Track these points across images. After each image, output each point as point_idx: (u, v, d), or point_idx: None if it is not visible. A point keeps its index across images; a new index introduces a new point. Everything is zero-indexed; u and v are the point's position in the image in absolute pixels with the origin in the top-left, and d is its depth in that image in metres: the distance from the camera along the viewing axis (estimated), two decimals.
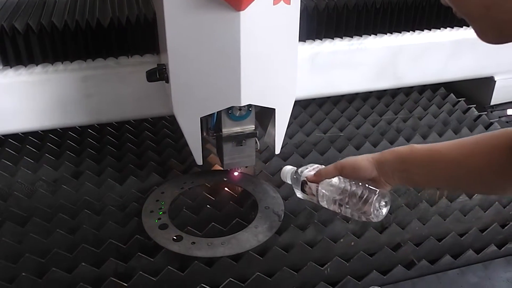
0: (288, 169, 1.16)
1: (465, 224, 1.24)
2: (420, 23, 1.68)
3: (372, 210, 0.95)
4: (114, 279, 1.02)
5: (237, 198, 1.27)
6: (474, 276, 1.11)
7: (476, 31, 0.57)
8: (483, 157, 0.80)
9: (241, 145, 1.23)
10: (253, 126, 1.22)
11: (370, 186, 0.96)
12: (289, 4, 1.05)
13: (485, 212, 1.27)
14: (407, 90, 1.90)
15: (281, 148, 1.50)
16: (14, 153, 1.46)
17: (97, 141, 1.54)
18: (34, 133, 1.55)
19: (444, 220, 1.23)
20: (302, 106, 1.76)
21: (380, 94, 1.86)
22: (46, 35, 1.36)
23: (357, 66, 1.65)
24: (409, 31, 1.68)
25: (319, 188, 1.04)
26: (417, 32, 1.69)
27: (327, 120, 1.69)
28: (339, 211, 1.02)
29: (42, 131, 1.56)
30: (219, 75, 1.08)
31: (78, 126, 1.60)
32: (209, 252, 1.07)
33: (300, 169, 1.11)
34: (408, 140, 1.58)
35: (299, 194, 1.12)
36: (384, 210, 0.97)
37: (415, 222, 1.20)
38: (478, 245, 1.19)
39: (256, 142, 1.25)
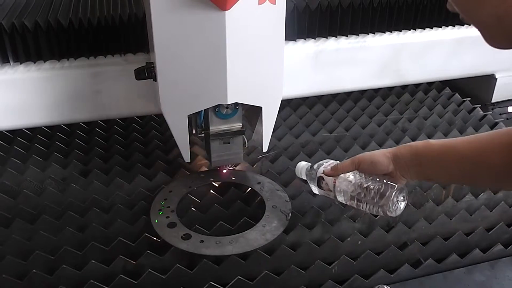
0: (303, 164, 1.19)
1: (471, 223, 1.25)
2: (421, 21, 1.69)
3: (390, 204, 0.96)
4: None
5: (245, 197, 1.28)
6: (481, 275, 1.12)
7: (485, 38, 0.57)
8: (497, 154, 0.81)
9: (229, 143, 1.24)
10: (241, 124, 1.23)
11: (387, 181, 0.97)
12: (275, 3, 1.05)
13: (491, 211, 1.27)
14: (412, 90, 1.91)
15: (288, 147, 1.52)
16: (22, 151, 1.47)
17: (105, 140, 1.55)
18: (42, 131, 1.56)
19: (450, 219, 1.24)
20: (307, 106, 1.77)
21: (385, 94, 1.87)
22: (53, 32, 1.38)
23: (360, 63, 1.66)
24: (411, 30, 1.69)
25: (336, 183, 1.06)
26: (418, 30, 1.70)
27: (333, 120, 1.69)
28: (357, 206, 1.03)
29: (50, 129, 1.57)
30: (206, 74, 1.09)
31: (86, 124, 1.62)
32: (217, 251, 1.08)
33: (315, 165, 1.14)
34: (413, 139, 1.58)
35: (315, 189, 1.14)
36: (402, 205, 0.98)
37: (421, 221, 1.21)
38: (484, 244, 1.19)
39: (244, 140, 1.27)
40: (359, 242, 1.16)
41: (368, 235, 1.17)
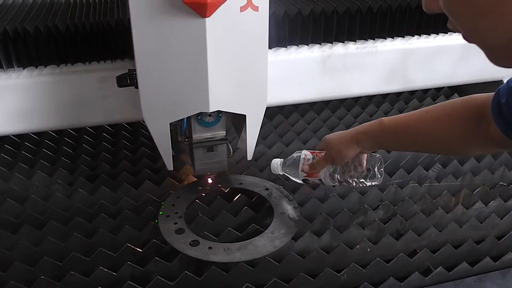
0: (277, 162, 1.26)
1: (482, 231, 1.23)
2: (430, 27, 1.68)
3: (372, 173, 1.12)
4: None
5: (253, 203, 1.28)
6: (492, 284, 1.11)
7: (489, 57, 0.57)
8: (447, 129, 0.91)
9: (212, 151, 1.23)
10: (224, 132, 1.22)
11: (361, 156, 1.13)
12: (257, 11, 1.03)
13: (501, 219, 1.26)
14: (420, 96, 1.90)
15: (294, 152, 1.51)
16: (30, 156, 1.47)
17: (112, 145, 1.55)
18: (49, 136, 1.56)
19: (461, 227, 1.23)
20: (315, 111, 1.76)
21: (393, 100, 1.86)
22: (52, 37, 1.37)
23: (368, 69, 1.65)
24: (415, 35, 1.68)
25: (321, 177, 1.18)
26: (428, 35, 1.69)
27: (341, 126, 1.68)
28: (345, 184, 1.17)
29: (58, 134, 1.57)
30: (187, 81, 1.07)
31: (93, 129, 1.61)
32: (225, 257, 1.07)
33: (288, 160, 1.24)
34: None
35: (297, 180, 1.24)
36: (381, 170, 1.14)
37: (431, 229, 1.20)
38: (495, 253, 1.18)
39: (229, 148, 1.25)
40: (368, 250, 1.15)
41: (377, 242, 1.16)
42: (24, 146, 1.51)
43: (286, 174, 1.25)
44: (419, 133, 0.96)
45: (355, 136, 1.06)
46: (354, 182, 1.14)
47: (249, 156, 1.28)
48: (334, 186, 1.21)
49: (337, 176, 1.16)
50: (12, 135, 1.53)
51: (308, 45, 1.57)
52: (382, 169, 1.13)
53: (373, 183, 1.14)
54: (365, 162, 1.13)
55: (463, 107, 0.89)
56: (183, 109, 1.12)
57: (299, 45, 1.57)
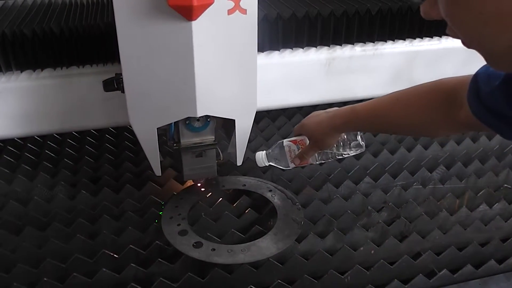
0: (262, 154, 1.25)
1: (486, 234, 1.23)
2: (432, 30, 1.67)
3: (358, 142, 1.18)
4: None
5: (256, 205, 1.27)
6: (497, 286, 1.10)
7: (488, 62, 0.56)
8: (418, 114, 0.94)
9: (201, 156, 1.21)
10: (213, 137, 1.19)
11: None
12: (245, 14, 1.01)
13: (506, 222, 1.26)
14: None
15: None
16: (33, 157, 1.47)
17: (114, 146, 1.55)
18: (52, 138, 1.56)
19: (465, 229, 1.22)
20: None
21: None
22: (48, 40, 1.36)
23: (372, 71, 1.64)
24: (422, 38, 1.67)
25: (310, 160, 1.21)
26: (430, 38, 1.68)
27: None
28: (333, 159, 1.23)
29: (61, 136, 1.57)
30: (174, 86, 1.05)
31: (96, 131, 1.61)
32: (229, 259, 1.06)
33: (271, 152, 1.24)
34: (425, 148, 1.57)
35: (285, 168, 1.25)
36: (363, 137, 1.19)
37: (435, 231, 1.20)
38: (499, 255, 1.18)
39: (218, 153, 1.24)
40: (372, 252, 1.15)
41: (381, 244, 1.16)
42: (27, 148, 1.51)
43: (273, 165, 1.26)
44: (392, 119, 1.00)
45: (334, 127, 1.10)
46: (341, 155, 1.20)
47: (239, 162, 1.26)
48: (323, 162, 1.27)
49: (324, 156, 1.21)
50: (16, 137, 1.52)
51: (303, 48, 1.56)
52: (362, 136, 1.18)
53: (358, 152, 1.20)
54: (346, 136, 1.18)
55: (434, 91, 0.92)
56: (170, 114, 1.10)
57: (293, 48, 1.56)
